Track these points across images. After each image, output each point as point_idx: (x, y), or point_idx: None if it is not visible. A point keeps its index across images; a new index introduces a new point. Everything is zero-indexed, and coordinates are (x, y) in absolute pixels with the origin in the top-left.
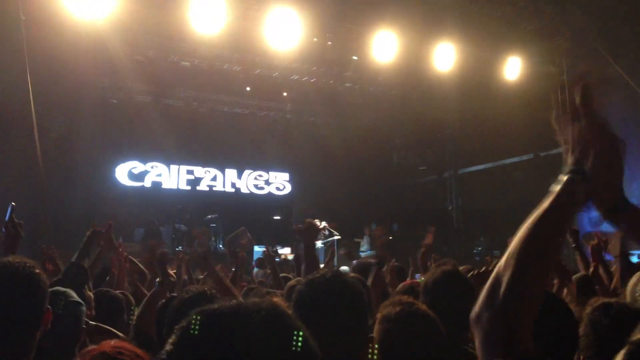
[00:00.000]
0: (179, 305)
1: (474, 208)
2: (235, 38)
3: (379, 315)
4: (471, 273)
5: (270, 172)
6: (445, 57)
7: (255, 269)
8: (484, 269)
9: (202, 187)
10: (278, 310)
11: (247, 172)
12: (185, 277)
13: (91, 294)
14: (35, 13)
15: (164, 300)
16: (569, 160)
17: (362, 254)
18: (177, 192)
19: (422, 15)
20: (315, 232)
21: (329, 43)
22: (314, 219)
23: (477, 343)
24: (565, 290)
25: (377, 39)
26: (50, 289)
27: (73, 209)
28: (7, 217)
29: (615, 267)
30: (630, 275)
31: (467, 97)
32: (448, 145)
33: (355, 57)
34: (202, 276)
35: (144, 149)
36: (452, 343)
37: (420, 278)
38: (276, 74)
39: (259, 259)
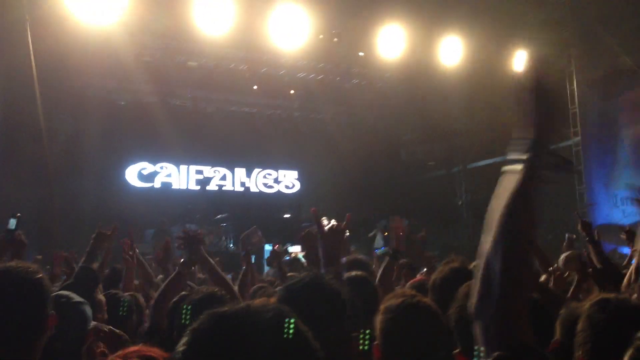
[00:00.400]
0: (189, 306)
1: (484, 203)
2: (241, 37)
3: (381, 307)
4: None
5: (279, 171)
6: (453, 51)
7: (266, 268)
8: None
9: (212, 186)
10: (284, 313)
11: (256, 170)
12: (201, 275)
13: (102, 298)
14: (41, 15)
15: (175, 299)
16: (522, 135)
17: (377, 252)
18: (187, 192)
19: (428, 10)
20: (339, 235)
21: (335, 40)
22: (320, 214)
23: (478, 335)
24: (551, 279)
25: (383, 34)
26: (53, 293)
27: (83, 211)
28: (14, 227)
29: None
30: None
31: (475, 91)
32: (456, 140)
33: (361, 54)
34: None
35: (152, 150)
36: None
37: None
38: (283, 72)
39: (269, 258)
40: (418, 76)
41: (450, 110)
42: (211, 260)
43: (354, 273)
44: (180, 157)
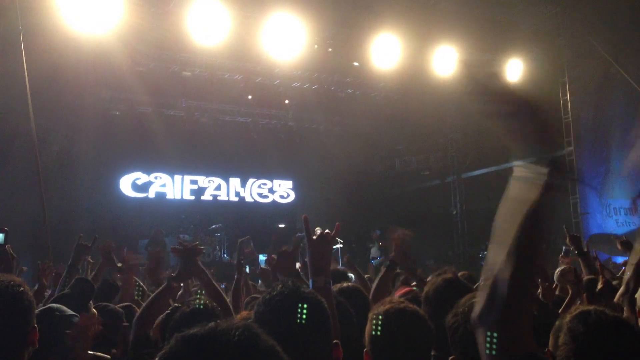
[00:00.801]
0: (180, 319)
1: (478, 212)
2: (235, 47)
3: (370, 314)
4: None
5: (274, 180)
6: (446, 61)
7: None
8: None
9: (206, 196)
10: (251, 332)
11: (250, 180)
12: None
13: (95, 311)
14: (35, 25)
15: (166, 312)
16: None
17: (374, 262)
18: (182, 202)
19: (422, 20)
20: (328, 244)
21: (330, 50)
22: (314, 224)
23: (481, 344)
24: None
25: (377, 44)
26: (45, 306)
27: (77, 222)
28: (2, 241)
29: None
30: None
31: (469, 101)
32: (451, 149)
33: (356, 63)
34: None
35: (147, 159)
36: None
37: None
38: (277, 81)
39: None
40: (412, 86)
41: (445, 120)
42: (208, 272)
43: (346, 284)
44: (174, 167)
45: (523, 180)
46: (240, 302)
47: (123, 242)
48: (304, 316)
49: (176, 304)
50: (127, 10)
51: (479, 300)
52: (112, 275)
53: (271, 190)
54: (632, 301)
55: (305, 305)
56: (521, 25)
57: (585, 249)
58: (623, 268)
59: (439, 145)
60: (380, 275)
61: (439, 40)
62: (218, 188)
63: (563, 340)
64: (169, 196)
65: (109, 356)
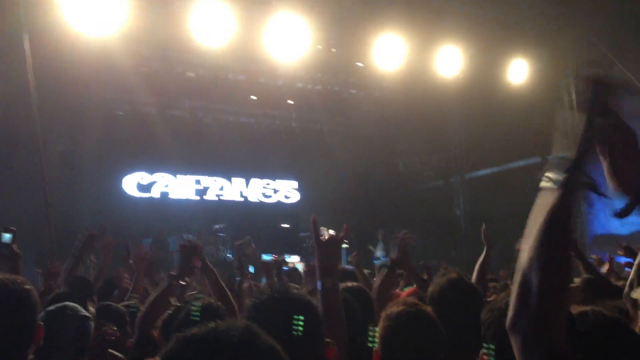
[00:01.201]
0: (186, 318)
1: (482, 213)
2: (238, 47)
3: (383, 314)
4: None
5: (277, 181)
6: (451, 61)
7: (263, 279)
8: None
9: (210, 196)
10: (252, 332)
11: (254, 180)
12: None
13: (93, 309)
14: (39, 26)
15: (169, 312)
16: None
17: (377, 262)
18: (186, 202)
19: (426, 20)
20: (336, 246)
21: (333, 50)
22: (318, 224)
23: (516, 349)
24: None
25: (381, 45)
26: (60, 304)
27: (81, 222)
28: (10, 241)
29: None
30: None
31: (473, 101)
32: (454, 150)
33: (360, 64)
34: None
35: (151, 160)
36: (461, 350)
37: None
38: (281, 82)
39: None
40: (416, 86)
41: (448, 121)
42: (215, 271)
43: (350, 283)
44: (178, 167)
45: (550, 189)
46: (244, 303)
47: (127, 241)
48: (299, 326)
49: (178, 304)
50: (131, 11)
51: (511, 306)
52: (116, 272)
53: (275, 191)
54: (635, 301)
55: (300, 317)
56: (526, 26)
57: (582, 252)
58: (627, 269)
59: (443, 145)
60: (381, 276)
61: (443, 40)
62: (222, 188)
63: None
64: (173, 196)
65: (124, 357)
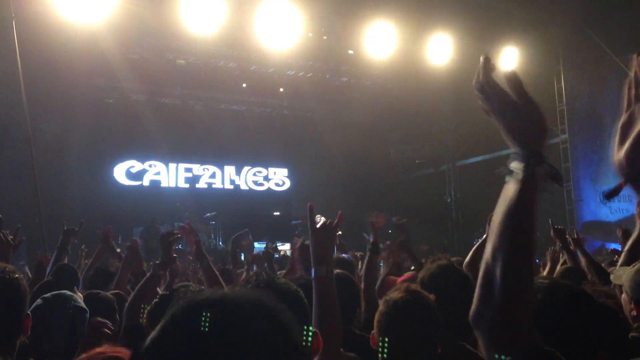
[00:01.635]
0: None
1: (473, 200)
2: (229, 35)
3: (383, 299)
4: None
5: (269, 168)
6: (441, 49)
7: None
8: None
9: (201, 184)
10: (264, 299)
11: (245, 168)
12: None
13: (80, 296)
14: (28, 14)
15: (156, 300)
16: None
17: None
18: (176, 190)
19: (417, 8)
20: (330, 233)
21: (324, 38)
22: (314, 211)
23: (482, 341)
24: None
25: (372, 32)
26: (55, 292)
27: (71, 210)
28: None
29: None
30: None
31: (464, 89)
32: (445, 138)
33: (351, 52)
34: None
35: (141, 148)
36: (451, 335)
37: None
38: (272, 70)
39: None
40: (407, 74)
41: (439, 109)
42: (208, 257)
43: (336, 271)
44: (169, 155)
45: (512, 181)
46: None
47: (117, 230)
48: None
49: (164, 292)
50: None
51: (475, 298)
52: (109, 262)
53: (266, 178)
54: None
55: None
56: (516, 14)
57: (570, 245)
58: (615, 257)
59: (434, 133)
60: (365, 260)
61: (434, 28)
62: (213, 176)
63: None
64: (164, 184)
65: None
